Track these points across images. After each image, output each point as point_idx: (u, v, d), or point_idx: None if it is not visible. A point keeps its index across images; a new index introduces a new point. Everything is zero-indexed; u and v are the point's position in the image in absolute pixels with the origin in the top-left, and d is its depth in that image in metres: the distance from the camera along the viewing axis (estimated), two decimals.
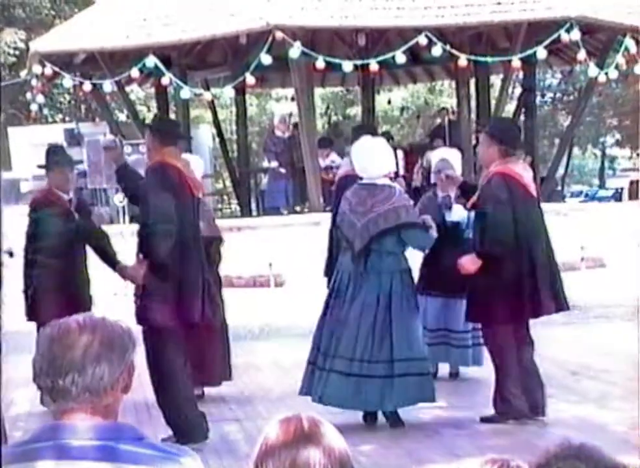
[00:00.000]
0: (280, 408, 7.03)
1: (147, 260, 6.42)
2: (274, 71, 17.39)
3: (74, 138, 17.92)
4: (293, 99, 18.75)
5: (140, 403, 7.50)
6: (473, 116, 18.54)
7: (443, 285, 7.86)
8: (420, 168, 16.91)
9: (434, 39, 14.75)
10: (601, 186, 42.87)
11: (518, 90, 22.18)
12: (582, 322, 11.44)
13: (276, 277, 14.27)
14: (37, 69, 16.22)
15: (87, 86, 16.47)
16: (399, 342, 6.81)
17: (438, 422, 7.10)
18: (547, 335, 9.44)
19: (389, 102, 29.45)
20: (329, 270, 7.95)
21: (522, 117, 19.54)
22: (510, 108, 23.10)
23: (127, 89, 20.19)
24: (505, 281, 6.75)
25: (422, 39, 14.69)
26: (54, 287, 7.46)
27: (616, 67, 15.96)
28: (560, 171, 25.97)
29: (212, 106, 21.04)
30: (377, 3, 15.39)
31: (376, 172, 6.99)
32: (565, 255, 13.21)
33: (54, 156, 7.98)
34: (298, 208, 16.84)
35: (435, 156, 8.66)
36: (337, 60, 15.14)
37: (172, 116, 19.47)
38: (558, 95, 36.38)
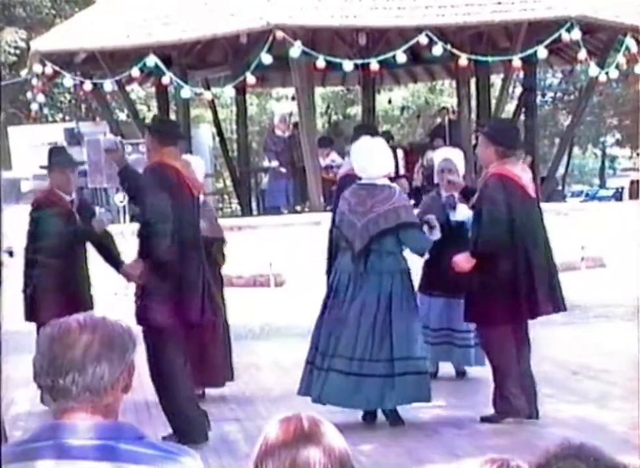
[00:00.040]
0: (280, 408, 7.03)
1: (146, 260, 6.45)
2: (275, 70, 17.38)
3: (74, 138, 17.92)
4: (293, 98, 18.75)
5: (140, 403, 7.50)
6: (474, 115, 18.54)
7: (446, 284, 7.85)
8: (420, 168, 16.92)
9: (435, 38, 14.75)
10: (602, 185, 42.87)
11: (519, 90, 22.17)
12: (582, 322, 11.44)
13: (276, 277, 14.27)
14: (37, 68, 16.22)
15: (87, 85, 16.47)
16: (399, 342, 6.81)
17: (438, 421, 7.10)
18: (547, 335, 9.45)
19: (389, 101, 29.45)
20: (330, 269, 7.96)
21: (522, 117, 19.54)
22: (510, 108, 23.10)
23: (128, 88, 20.18)
24: (501, 282, 6.77)
25: (422, 39, 14.69)
26: (55, 287, 7.46)
27: (617, 66, 15.95)
28: (561, 170, 25.99)
29: (212, 105, 21.03)
30: (378, 3, 15.38)
31: (375, 172, 7.00)
32: (565, 255, 13.24)
33: (56, 156, 7.98)
34: (298, 208, 16.84)
35: (438, 155, 8.67)
36: (337, 60, 15.14)
37: (173, 115, 19.47)
38: (558, 94, 36.38)
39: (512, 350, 6.88)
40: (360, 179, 7.11)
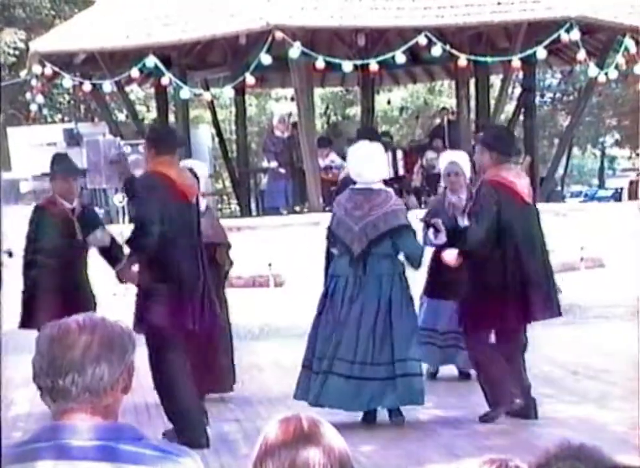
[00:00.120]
0: (279, 408, 7.04)
1: (145, 265, 6.54)
2: (274, 71, 17.38)
3: (73, 138, 17.88)
4: (292, 99, 18.75)
5: (139, 404, 7.51)
6: (473, 116, 18.52)
7: (456, 287, 7.85)
8: (420, 168, 16.91)
9: (434, 39, 14.74)
10: (601, 186, 42.88)
11: (518, 90, 22.16)
12: (581, 322, 11.45)
13: (275, 277, 14.27)
14: (37, 69, 16.21)
15: (87, 86, 16.45)
16: (399, 344, 6.83)
17: (438, 422, 7.10)
18: (547, 335, 9.45)
19: (388, 102, 29.46)
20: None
21: (522, 118, 19.53)
22: (509, 108, 23.10)
23: (127, 89, 20.17)
24: (494, 288, 6.82)
25: (422, 40, 14.68)
26: (50, 294, 7.44)
27: (616, 67, 15.95)
28: (560, 171, 26.00)
29: (211, 106, 21.02)
30: (377, 3, 15.38)
31: (371, 177, 7.02)
32: (564, 256, 13.25)
33: (59, 164, 7.94)
34: (297, 209, 16.83)
35: (444, 159, 8.71)
36: (336, 60, 15.13)
37: (172, 116, 19.47)
38: (558, 95, 36.38)
39: (500, 358, 6.92)
40: (354, 183, 7.15)
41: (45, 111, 24.88)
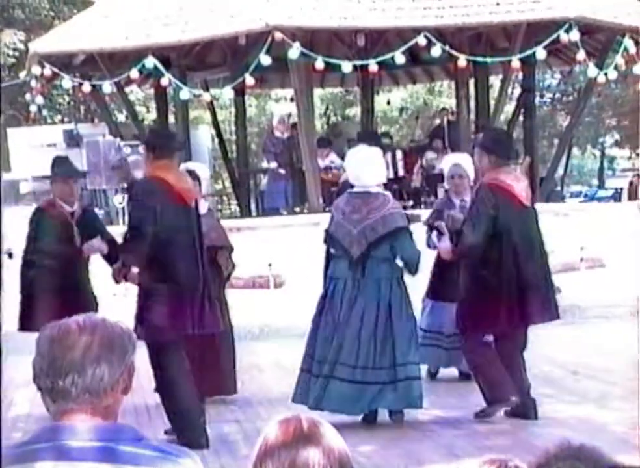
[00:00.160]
0: (279, 409, 7.04)
1: (142, 267, 6.57)
2: (274, 71, 17.37)
3: (73, 139, 17.88)
4: (292, 99, 18.74)
5: (139, 405, 7.51)
6: (473, 116, 18.52)
7: (458, 290, 7.85)
8: (419, 169, 16.91)
9: (434, 39, 14.74)
10: (601, 186, 42.88)
11: (518, 91, 22.16)
12: (581, 322, 11.45)
13: (275, 278, 14.26)
14: (36, 70, 16.20)
15: (86, 87, 16.44)
16: (400, 348, 6.83)
17: (438, 422, 7.11)
18: (547, 334, 9.45)
19: (388, 102, 29.46)
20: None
21: (521, 118, 19.53)
22: (509, 109, 23.10)
23: (127, 90, 20.16)
24: (492, 291, 6.83)
25: (421, 40, 14.67)
26: (48, 298, 7.44)
27: (616, 67, 15.94)
28: (560, 171, 26.01)
29: (211, 107, 21.02)
30: (376, 4, 15.37)
31: (369, 181, 7.02)
32: (564, 256, 13.26)
33: (60, 166, 7.93)
34: (297, 209, 16.83)
35: (448, 161, 8.70)
36: (336, 61, 15.12)
37: (171, 117, 19.46)
38: (557, 95, 36.39)
39: (498, 360, 6.94)
40: (352, 186, 7.15)
41: (44, 112, 24.83)
